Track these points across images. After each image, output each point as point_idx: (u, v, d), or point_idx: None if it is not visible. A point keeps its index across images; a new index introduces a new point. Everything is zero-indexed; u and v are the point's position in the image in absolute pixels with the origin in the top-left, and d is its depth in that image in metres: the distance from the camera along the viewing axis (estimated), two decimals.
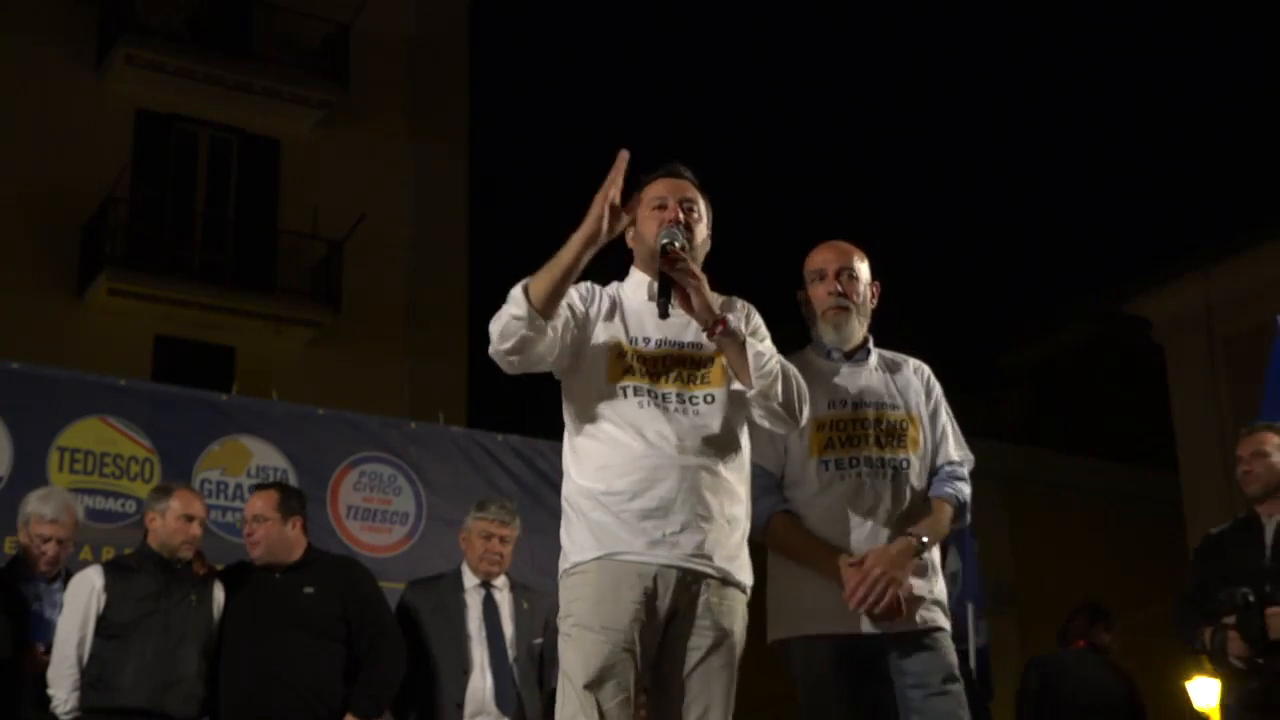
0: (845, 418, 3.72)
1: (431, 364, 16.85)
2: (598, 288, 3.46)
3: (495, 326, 3.19)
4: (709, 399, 3.32)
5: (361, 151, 17.75)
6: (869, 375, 3.81)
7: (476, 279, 18.30)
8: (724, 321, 3.24)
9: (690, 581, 3.20)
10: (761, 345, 3.31)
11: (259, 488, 5.52)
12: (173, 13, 17.04)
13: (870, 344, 3.89)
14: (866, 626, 3.55)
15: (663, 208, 3.43)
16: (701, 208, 3.49)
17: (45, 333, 14.78)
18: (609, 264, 3.53)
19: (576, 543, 3.27)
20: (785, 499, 3.71)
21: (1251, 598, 4.99)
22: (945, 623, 3.68)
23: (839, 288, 3.80)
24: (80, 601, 5.10)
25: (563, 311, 3.24)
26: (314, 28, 17.65)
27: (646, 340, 3.35)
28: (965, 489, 3.79)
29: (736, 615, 3.28)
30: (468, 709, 5.38)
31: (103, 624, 5.07)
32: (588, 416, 3.31)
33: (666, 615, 3.19)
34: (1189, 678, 15.25)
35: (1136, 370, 19.80)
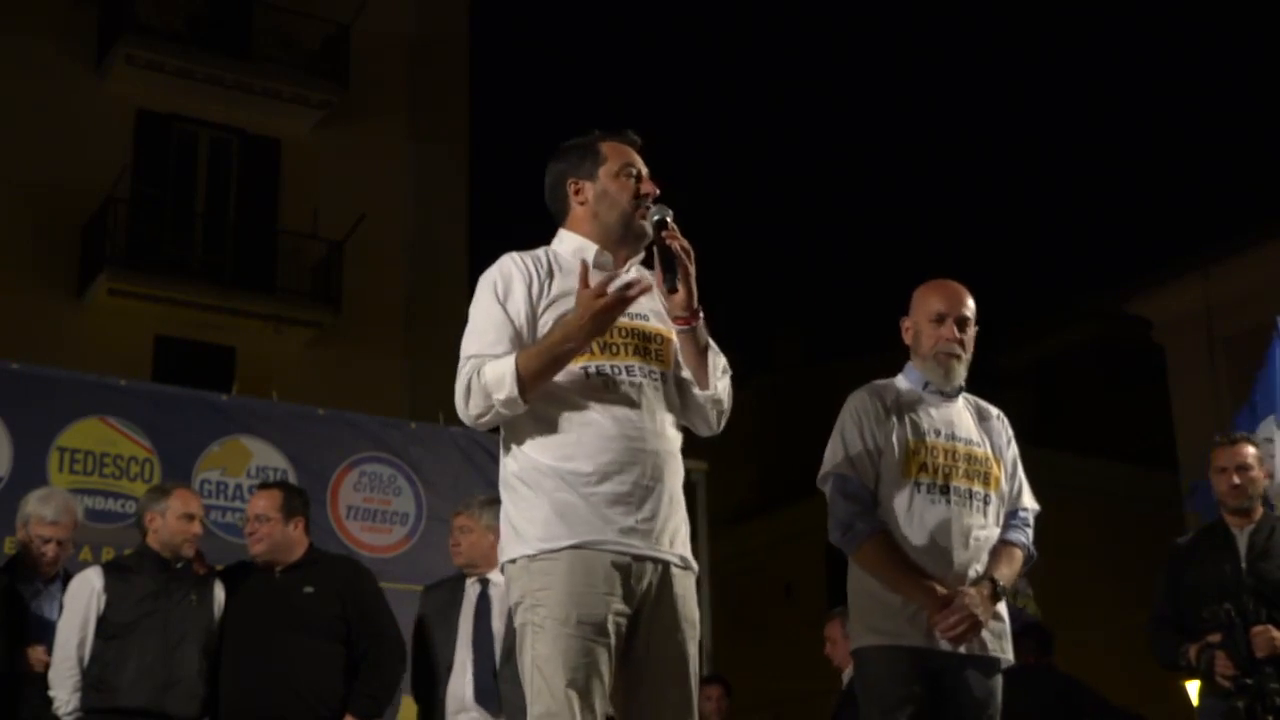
0: (939, 446, 3.88)
1: (431, 364, 16.81)
2: (529, 262, 3.25)
3: (474, 408, 3.09)
4: (663, 377, 3.23)
5: (361, 151, 17.74)
6: (960, 413, 3.99)
7: (476, 279, 18.25)
8: (699, 314, 3.18)
9: (661, 570, 3.13)
10: (716, 347, 3.26)
11: (262, 487, 5.51)
12: (173, 13, 17.03)
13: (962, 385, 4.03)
14: (944, 644, 3.73)
15: (633, 177, 3.26)
16: None
17: (45, 333, 14.77)
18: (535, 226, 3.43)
19: (539, 523, 3.09)
20: (881, 519, 3.84)
21: (1235, 615, 4.99)
22: (1011, 657, 3.90)
23: (958, 335, 3.94)
24: (80, 602, 5.10)
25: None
26: (314, 28, 17.64)
27: None
28: (1031, 535, 4.00)
29: (693, 599, 3.22)
30: (450, 706, 5.38)
31: (103, 625, 5.06)
32: (545, 393, 3.13)
33: (636, 607, 3.10)
34: (1187, 678, 15.23)
35: (1136, 370, 19.81)
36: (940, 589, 3.73)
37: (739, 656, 10.88)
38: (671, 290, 3.15)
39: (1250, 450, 5.33)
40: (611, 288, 3.10)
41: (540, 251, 3.29)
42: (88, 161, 16.12)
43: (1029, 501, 4.03)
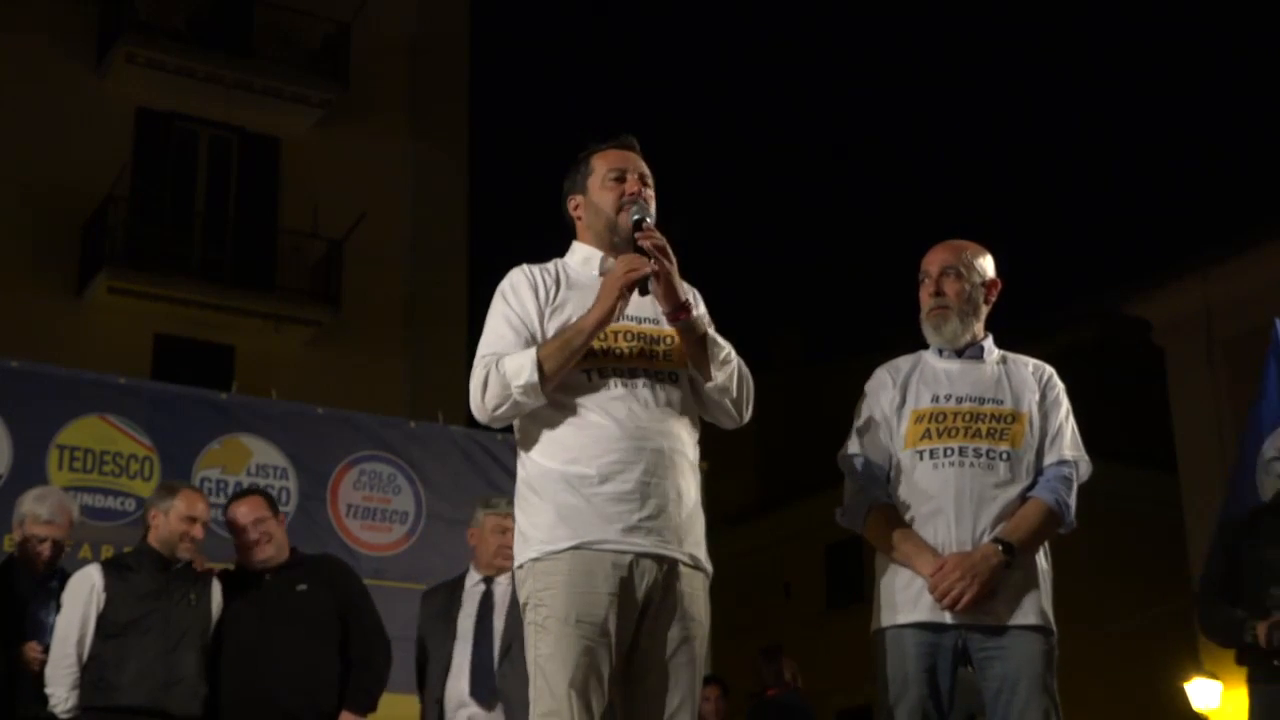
0: (945, 411, 3.74)
1: (431, 363, 16.84)
2: (537, 272, 3.33)
3: (490, 399, 3.17)
4: (673, 377, 3.25)
5: (361, 151, 17.73)
6: (979, 372, 3.83)
7: (476, 279, 18.31)
8: (688, 308, 3.20)
9: (666, 569, 3.13)
10: (720, 338, 3.28)
11: (236, 499, 5.47)
12: (173, 11, 17.03)
13: (986, 342, 3.90)
14: (951, 617, 3.59)
15: (620, 180, 3.31)
16: (651, 185, 3.38)
17: (45, 331, 14.77)
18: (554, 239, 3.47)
19: (543, 527, 3.14)
20: (887, 492, 3.75)
21: None
22: (1041, 620, 3.68)
23: (934, 290, 3.83)
24: (80, 600, 5.09)
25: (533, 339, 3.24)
26: (314, 27, 17.64)
27: None
28: (1067, 491, 3.77)
29: (703, 602, 3.22)
30: (449, 704, 5.39)
31: (103, 623, 5.06)
32: (552, 400, 3.19)
33: (642, 604, 3.10)
34: (1187, 679, 15.23)
35: (1136, 372, 19.79)
36: (933, 556, 3.59)
37: (738, 657, 10.87)
38: (642, 293, 3.17)
39: None
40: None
41: (551, 263, 3.38)
42: (87, 160, 16.12)
43: (1068, 452, 3.78)
